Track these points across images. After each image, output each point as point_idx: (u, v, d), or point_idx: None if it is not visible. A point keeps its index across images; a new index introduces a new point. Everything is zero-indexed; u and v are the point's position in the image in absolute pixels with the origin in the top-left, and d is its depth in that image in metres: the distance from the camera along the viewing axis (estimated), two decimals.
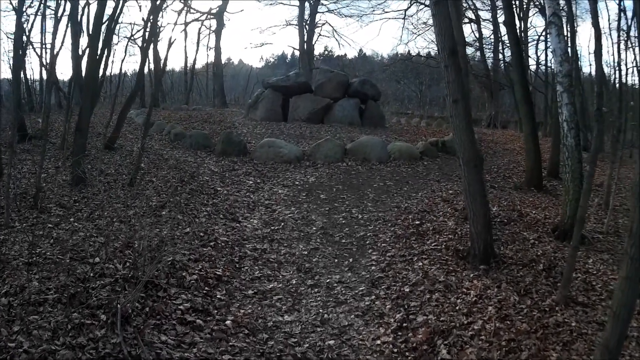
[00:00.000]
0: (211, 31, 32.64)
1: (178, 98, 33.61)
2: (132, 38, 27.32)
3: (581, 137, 7.26)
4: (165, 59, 10.97)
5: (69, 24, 20.61)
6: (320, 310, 4.82)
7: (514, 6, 13.92)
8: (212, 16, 31.99)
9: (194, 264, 5.50)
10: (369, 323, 4.63)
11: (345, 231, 6.99)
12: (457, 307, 4.73)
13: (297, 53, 34.55)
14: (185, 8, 29.82)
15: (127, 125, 15.65)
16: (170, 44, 19.27)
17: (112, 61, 34.70)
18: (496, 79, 31.78)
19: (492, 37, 31.82)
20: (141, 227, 6.39)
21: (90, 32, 9.25)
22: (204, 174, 9.64)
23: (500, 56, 29.29)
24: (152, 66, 26.42)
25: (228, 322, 4.37)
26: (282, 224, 7.18)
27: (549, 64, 19.19)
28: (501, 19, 38.72)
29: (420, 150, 12.15)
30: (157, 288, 4.71)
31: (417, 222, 7.20)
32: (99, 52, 9.68)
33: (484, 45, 32.68)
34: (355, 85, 17.88)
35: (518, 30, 28.04)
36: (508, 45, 19.56)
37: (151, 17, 10.48)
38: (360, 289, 5.31)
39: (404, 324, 4.53)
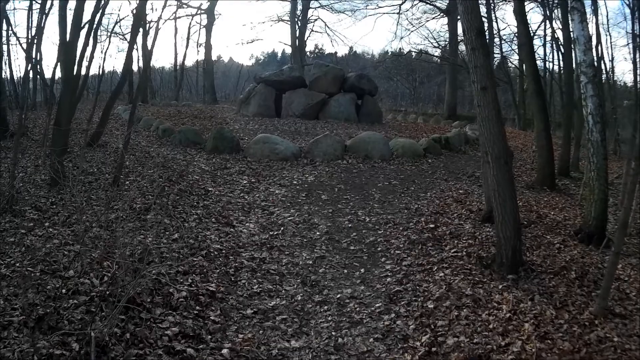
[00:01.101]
0: (201, 27, 31.83)
1: (167, 95, 32.73)
2: (122, 33, 26.76)
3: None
4: (151, 52, 10.11)
5: (59, 17, 19.90)
6: (333, 333, 4.10)
7: None
8: (202, 11, 31.18)
9: (183, 278, 4.76)
10: (391, 348, 3.92)
11: (353, 236, 6.27)
12: (491, 326, 4.07)
13: (287, 51, 33.96)
14: (176, 3, 29.10)
15: (113, 122, 14.93)
16: (155, 36, 18.32)
17: (103, 57, 33.70)
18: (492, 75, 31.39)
19: (487, 32, 31.69)
20: (123, 233, 5.67)
21: (71, 23, 8.43)
22: (194, 172, 8.88)
23: (497, 50, 28.83)
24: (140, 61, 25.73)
25: (225, 350, 3.65)
26: (282, 228, 6.45)
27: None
28: (500, 13, 38.35)
29: (424, 147, 11.47)
30: (140, 308, 3.97)
31: (432, 226, 6.51)
32: (80, 45, 8.95)
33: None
34: (352, 80, 17.19)
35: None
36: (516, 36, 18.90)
37: (138, 10, 9.69)
38: (377, 305, 4.60)
39: (433, 349, 3.84)
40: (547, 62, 24.49)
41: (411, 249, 5.80)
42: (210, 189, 7.99)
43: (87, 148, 10.12)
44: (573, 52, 11.72)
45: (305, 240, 6.09)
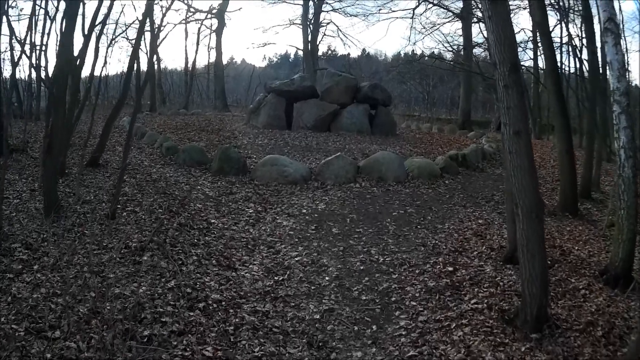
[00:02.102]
0: (212, 31, 31.47)
1: (178, 101, 32.40)
2: (129, 38, 26.36)
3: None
4: (151, 57, 9.68)
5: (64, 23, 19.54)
6: None
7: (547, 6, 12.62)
8: (212, 15, 30.81)
9: (178, 339, 4.29)
10: None
11: (365, 282, 5.74)
12: None
13: (300, 52, 33.38)
14: (185, 7, 28.77)
15: (117, 135, 14.58)
16: (155, 41, 17.93)
17: (107, 64, 33.49)
18: None
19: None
20: (115, 280, 5.22)
21: (62, 31, 7.95)
22: (197, 199, 8.42)
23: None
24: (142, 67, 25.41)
25: None
26: (288, 272, 5.93)
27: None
28: (519, 19, 37.70)
29: (441, 167, 10.91)
30: None
31: (450, 269, 5.98)
32: (81, 54, 8.53)
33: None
34: (365, 90, 16.65)
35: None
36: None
37: (145, 16, 9.23)
38: None
39: None
40: (562, 65, 23.84)
41: (428, 300, 5.27)
42: (213, 220, 7.51)
43: (86, 169, 9.72)
44: (602, 66, 11.21)
45: (313, 288, 5.57)
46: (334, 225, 7.52)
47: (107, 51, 34.69)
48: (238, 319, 4.84)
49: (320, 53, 35.80)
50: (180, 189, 8.94)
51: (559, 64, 13.36)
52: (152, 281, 5.27)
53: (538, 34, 17.28)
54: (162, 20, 35.16)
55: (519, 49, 28.07)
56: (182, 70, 35.36)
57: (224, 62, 33.80)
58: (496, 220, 8.15)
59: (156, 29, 26.35)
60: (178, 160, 11.06)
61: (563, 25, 19.39)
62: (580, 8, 13.35)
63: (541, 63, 23.90)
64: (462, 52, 31.47)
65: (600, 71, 11.15)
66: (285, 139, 13.97)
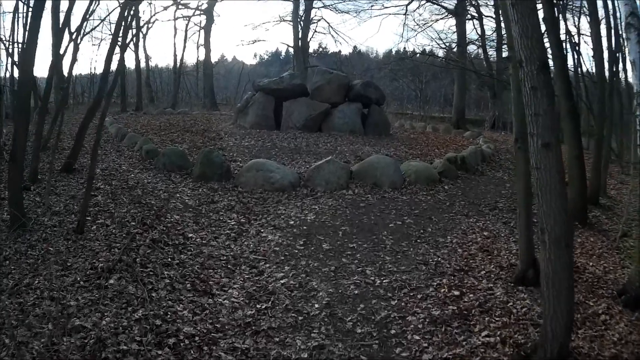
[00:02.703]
0: (200, 27, 30.65)
1: (167, 99, 31.56)
2: (111, 33, 25.50)
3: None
4: (121, 54, 8.92)
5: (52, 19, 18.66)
6: None
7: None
8: (201, 11, 29.98)
9: None
10: None
11: (360, 310, 5.02)
12: None
13: (291, 50, 32.62)
14: (173, 3, 27.93)
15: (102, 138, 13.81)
16: (126, 39, 17.17)
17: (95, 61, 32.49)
18: (500, 78, 30.14)
19: (494, 34, 30.33)
20: (76, 309, 4.52)
21: (28, 28, 7.19)
22: (175, 209, 7.68)
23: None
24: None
25: None
26: (272, 297, 5.20)
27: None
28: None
29: (439, 171, 10.24)
30: None
31: (456, 293, 5.30)
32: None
33: (487, 42, 31.26)
34: (358, 88, 15.95)
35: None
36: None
37: (123, 10, 8.45)
38: None
39: None
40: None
41: (433, 333, 4.58)
42: (190, 234, 6.78)
43: (60, 175, 8.99)
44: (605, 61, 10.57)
45: (300, 318, 4.85)
46: (325, 239, 6.81)
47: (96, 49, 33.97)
48: (213, 359, 4.13)
49: (311, 50, 35.11)
50: (158, 197, 8.20)
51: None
52: (117, 311, 4.56)
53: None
54: (150, 18, 34.29)
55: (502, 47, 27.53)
56: (171, 69, 34.47)
57: (214, 59, 33.09)
58: (502, 232, 7.50)
59: (141, 26, 25.62)
60: (158, 164, 10.31)
61: (562, 21, 18.78)
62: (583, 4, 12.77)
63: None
64: (455, 49, 30.90)
65: (606, 70, 10.55)
66: (274, 140, 13.24)
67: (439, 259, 6.30)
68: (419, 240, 6.91)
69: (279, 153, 11.53)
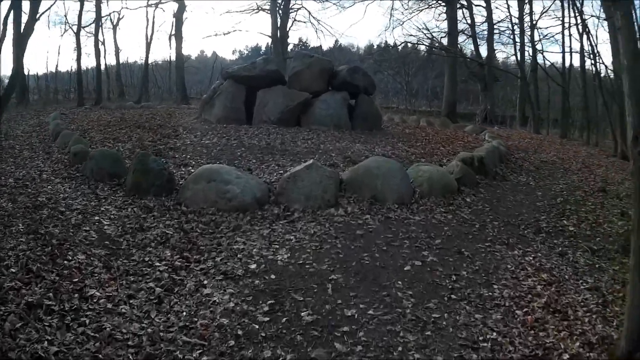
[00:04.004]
0: (173, 16, 27.71)
1: (137, 93, 28.67)
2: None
3: None
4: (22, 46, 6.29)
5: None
6: None
7: None
8: None
9: None
10: None
11: None
12: None
13: (271, 42, 29.89)
14: None
15: (36, 134, 11.34)
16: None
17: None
18: (491, 70, 28.04)
19: (485, 23, 28.14)
20: None
21: None
22: (83, 243, 5.03)
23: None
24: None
25: None
26: None
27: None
28: (494, 4, 35.21)
29: (457, 177, 7.73)
30: None
31: None
32: None
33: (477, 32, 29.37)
34: (343, 75, 13.37)
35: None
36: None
37: None
38: None
39: None
40: (565, 55, 21.19)
41: None
42: (92, 290, 4.11)
43: None
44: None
45: None
46: (305, 300, 4.17)
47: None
48: None
49: (291, 45, 32.58)
50: (67, 222, 5.55)
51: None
52: None
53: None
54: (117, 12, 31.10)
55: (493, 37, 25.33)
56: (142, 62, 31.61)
57: (193, 55, 30.17)
58: (565, 272, 5.06)
59: (104, 16, 22.90)
60: (85, 170, 7.65)
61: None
62: None
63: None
64: (444, 39, 28.63)
65: None
66: (242, 137, 10.61)
67: (493, 333, 3.76)
68: (452, 296, 4.35)
69: (246, 154, 8.91)
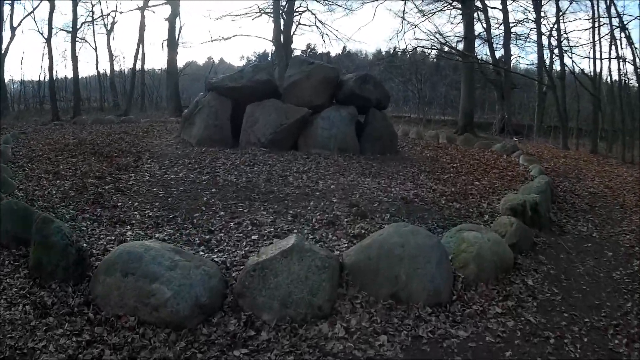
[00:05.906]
0: (166, 19, 25.41)
1: (137, 103, 26.54)
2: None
3: None
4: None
5: None
6: None
7: None
8: (165, 1, 24.90)
9: None
10: None
11: None
12: None
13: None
14: None
15: None
16: None
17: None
18: (508, 77, 25.66)
19: (502, 27, 25.76)
20: None
21: None
22: None
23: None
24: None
25: None
26: None
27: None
28: (511, 7, 32.98)
29: (511, 242, 5.33)
30: None
31: None
32: None
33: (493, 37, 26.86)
34: (350, 85, 11.02)
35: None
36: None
37: None
38: None
39: None
40: (595, 61, 18.76)
41: None
42: None
43: None
44: None
45: None
46: None
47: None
48: None
49: (298, 51, 30.33)
50: None
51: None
52: None
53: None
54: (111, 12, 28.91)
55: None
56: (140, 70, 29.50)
57: (201, 62, 27.93)
58: None
59: (92, 20, 20.69)
60: None
61: None
62: None
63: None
64: (459, 44, 26.28)
65: None
66: (218, 168, 8.28)
67: None
68: None
69: (215, 200, 6.57)
